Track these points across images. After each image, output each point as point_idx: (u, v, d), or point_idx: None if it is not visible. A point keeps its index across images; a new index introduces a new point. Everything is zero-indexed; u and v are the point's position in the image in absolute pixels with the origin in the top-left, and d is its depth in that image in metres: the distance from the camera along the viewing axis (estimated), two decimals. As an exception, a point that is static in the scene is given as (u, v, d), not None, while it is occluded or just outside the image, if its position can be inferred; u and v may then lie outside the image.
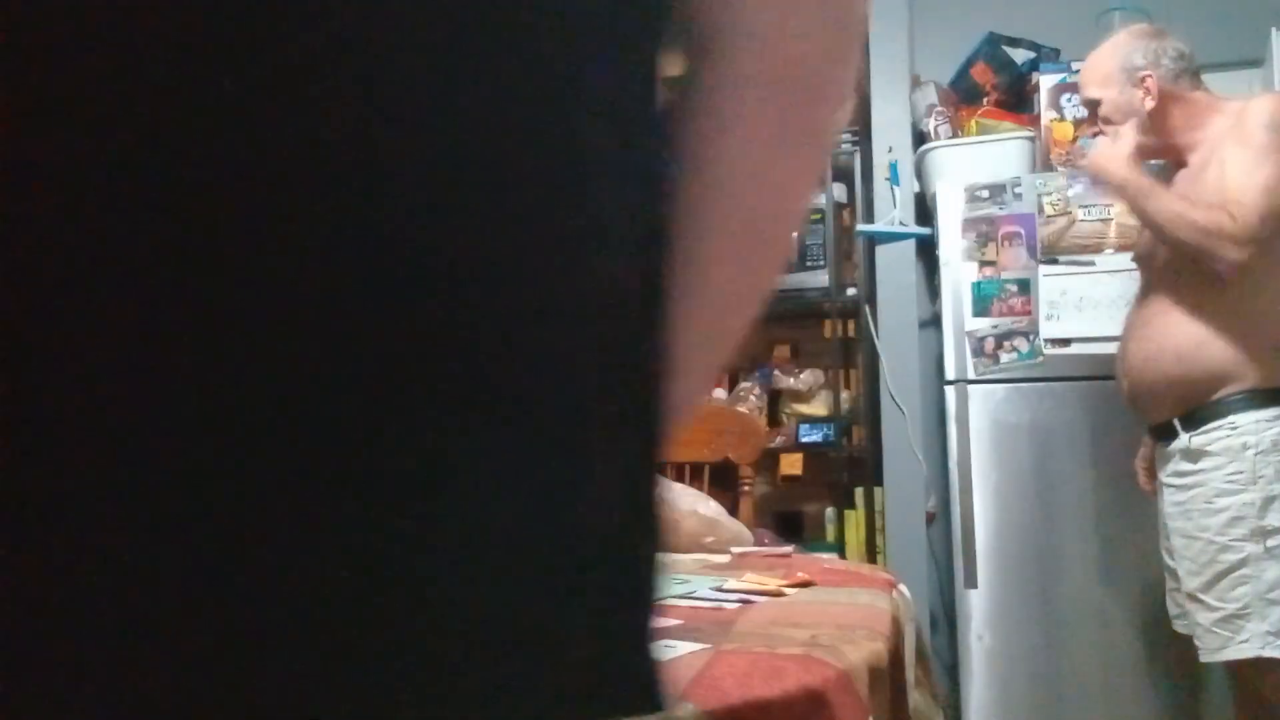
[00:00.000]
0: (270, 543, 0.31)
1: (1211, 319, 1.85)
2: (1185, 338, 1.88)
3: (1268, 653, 1.77)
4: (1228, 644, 1.81)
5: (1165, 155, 2.06)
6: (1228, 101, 1.94)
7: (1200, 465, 1.88)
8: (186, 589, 0.30)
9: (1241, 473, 1.81)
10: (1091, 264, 2.55)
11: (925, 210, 2.97)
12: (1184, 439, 1.90)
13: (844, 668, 0.79)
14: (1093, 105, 2.05)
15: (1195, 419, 1.89)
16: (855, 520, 3.13)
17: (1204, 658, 1.87)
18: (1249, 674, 1.83)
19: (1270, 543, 1.78)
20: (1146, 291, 2.02)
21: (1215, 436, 1.85)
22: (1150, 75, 1.96)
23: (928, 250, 3.06)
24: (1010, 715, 2.53)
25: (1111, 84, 2.00)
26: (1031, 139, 2.83)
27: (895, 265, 3.06)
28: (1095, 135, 2.11)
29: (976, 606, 2.56)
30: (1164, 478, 1.98)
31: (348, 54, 0.33)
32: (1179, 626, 2.02)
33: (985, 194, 2.65)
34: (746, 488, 2.12)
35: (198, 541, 0.30)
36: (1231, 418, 1.84)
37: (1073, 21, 3.03)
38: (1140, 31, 2.01)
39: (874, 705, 0.83)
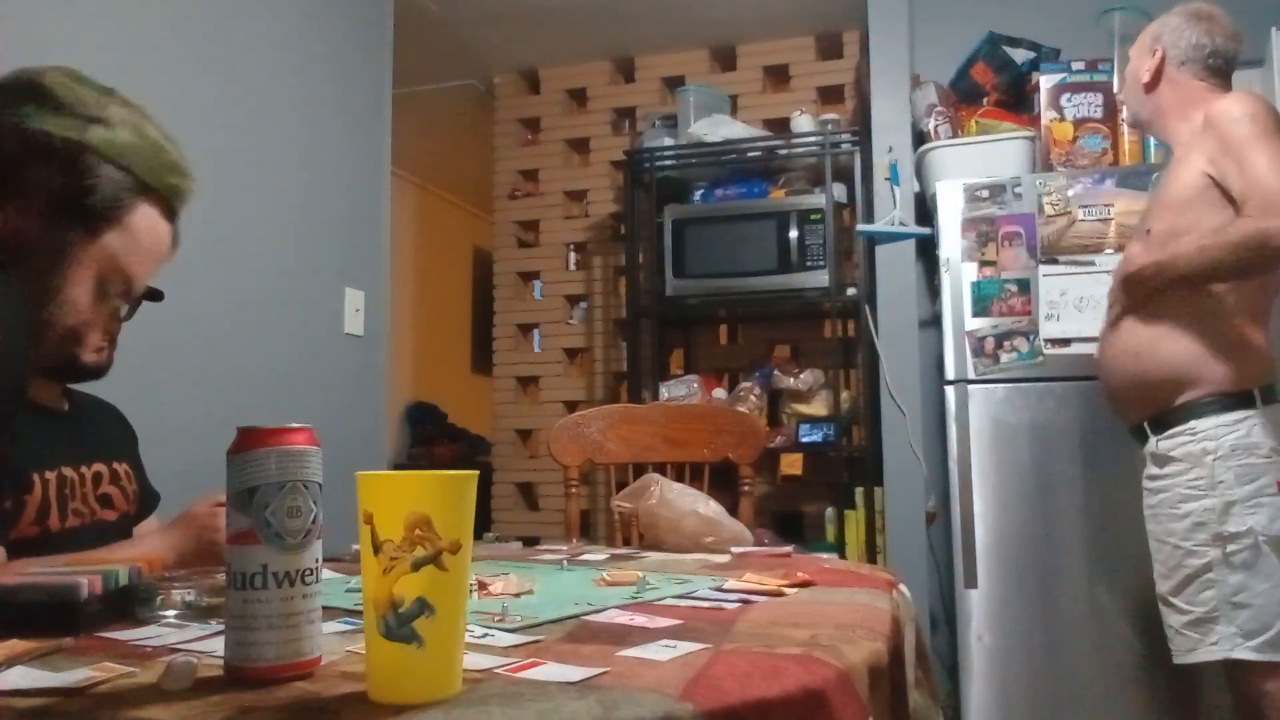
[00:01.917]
0: None
1: (1167, 320, 1.85)
2: (1142, 340, 1.89)
3: (1236, 654, 1.77)
4: (1198, 646, 1.82)
5: (1155, 133, 2.12)
6: (1210, 98, 1.93)
7: (1166, 470, 1.88)
8: None
9: (1202, 478, 1.82)
10: (1091, 264, 2.55)
11: (925, 210, 2.97)
12: (1152, 443, 1.92)
13: (844, 668, 0.79)
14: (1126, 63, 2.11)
15: (1161, 423, 1.89)
16: (855, 520, 3.13)
17: (1176, 659, 1.87)
18: (1239, 673, 1.84)
19: (1230, 548, 1.78)
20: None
21: (1178, 442, 1.86)
22: (1159, 49, 1.98)
23: (928, 250, 3.06)
24: (1010, 715, 2.53)
25: (1140, 48, 2.05)
26: (1031, 139, 2.83)
27: (895, 265, 3.07)
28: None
29: (976, 606, 2.57)
30: (1142, 480, 1.99)
31: None
32: None
33: (985, 194, 2.65)
34: (746, 488, 2.12)
35: None
36: (1192, 423, 1.84)
37: (1073, 21, 3.03)
38: (1190, 11, 2.01)
39: (874, 705, 0.83)
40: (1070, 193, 2.59)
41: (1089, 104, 2.78)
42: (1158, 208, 1.93)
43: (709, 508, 1.71)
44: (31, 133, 1.13)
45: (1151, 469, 1.93)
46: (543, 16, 3.57)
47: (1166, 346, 1.85)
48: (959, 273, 2.65)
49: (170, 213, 1.32)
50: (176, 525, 1.39)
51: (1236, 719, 1.94)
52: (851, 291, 3.22)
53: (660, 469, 2.05)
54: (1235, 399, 1.81)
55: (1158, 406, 1.89)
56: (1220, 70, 1.98)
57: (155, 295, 1.55)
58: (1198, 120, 1.90)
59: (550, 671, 0.75)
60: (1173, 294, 1.85)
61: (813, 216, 3.20)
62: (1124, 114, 2.15)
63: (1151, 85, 2.00)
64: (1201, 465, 1.81)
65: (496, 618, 0.96)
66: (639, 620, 0.97)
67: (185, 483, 1.65)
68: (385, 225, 2.90)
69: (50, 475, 1.41)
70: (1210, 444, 1.81)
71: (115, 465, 1.55)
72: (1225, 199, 1.79)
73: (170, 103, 2.15)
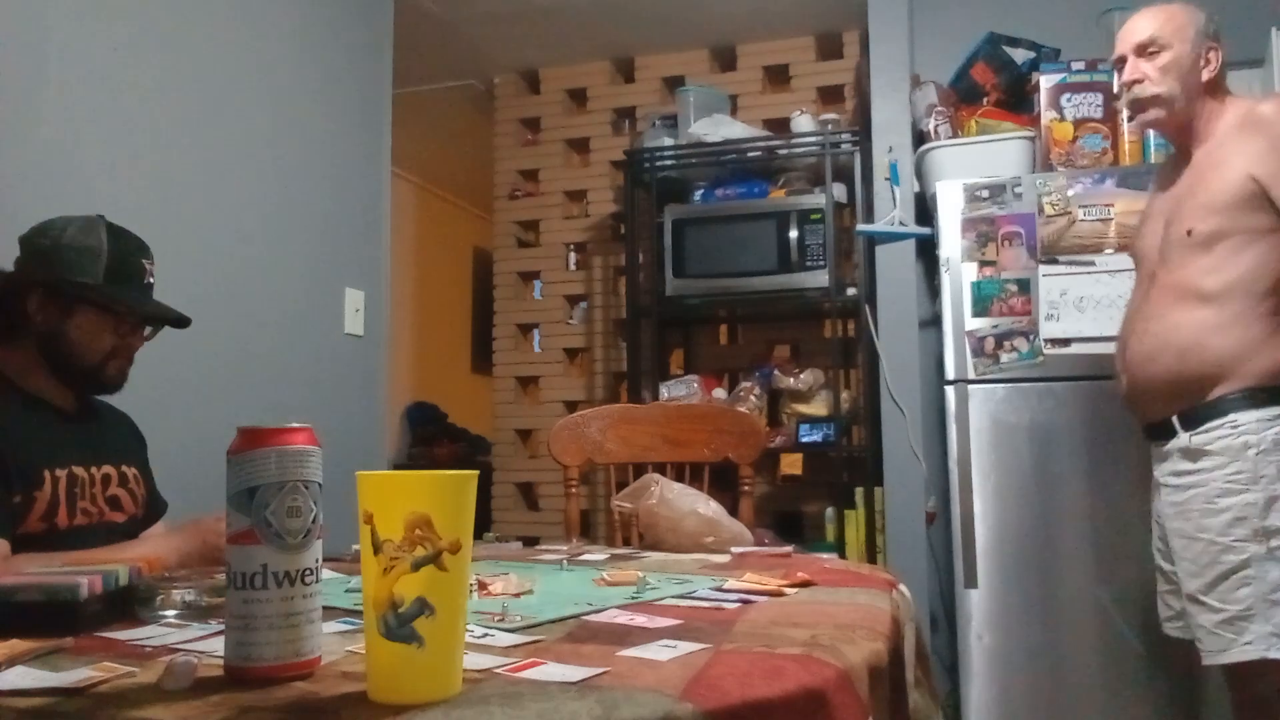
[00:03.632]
0: None
1: (1212, 315, 1.84)
2: (1187, 334, 1.87)
3: (1272, 654, 1.75)
4: (1230, 646, 1.79)
5: (1174, 134, 2.02)
6: (1238, 100, 1.94)
7: (1200, 464, 1.86)
8: None
9: (1243, 472, 1.80)
10: (1091, 264, 2.55)
11: (925, 210, 2.97)
12: (1183, 438, 1.89)
13: (844, 667, 0.79)
14: (1145, 46, 1.96)
15: (1194, 417, 1.87)
16: (855, 520, 3.13)
17: (1206, 660, 1.84)
18: (1246, 674, 1.83)
19: (1273, 543, 1.77)
20: (1145, 288, 2.01)
21: (1216, 435, 1.84)
22: (1216, 49, 1.94)
23: (928, 250, 3.06)
24: (1010, 715, 2.53)
25: (1185, 39, 1.95)
26: (1031, 139, 2.83)
27: (895, 265, 3.07)
28: (1130, 84, 2.01)
29: (976, 606, 2.56)
30: (1160, 477, 1.97)
31: None
32: (1171, 630, 2.00)
33: (985, 194, 2.65)
34: (746, 488, 2.12)
35: None
36: (1232, 416, 1.82)
37: (1073, 21, 3.04)
38: (1198, 13, 1.96)
39: (874, 705, 0.83)
40: (1070, 193, 2.59)
41: (1089, 104, 2.78)
42: (1194, 208, 1.89)
43: (709, 508, 1.72)
44: None
45: (1181, 464, 1.90)
46: (543, 16, 3.57)
47: (1211, 343, 1.84)
48: (959, 273, 2.65)
49: None
50: (181, 529, 1.40)
51: (1237, 718, 1.94)
52: (851, 291, 3.22)
53: (660, 469, 2.05)
54: (1273, 393, 1.81)
55: (1190, 401, 1.88)
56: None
57: (182, 321, 1.58)
58: (1228, 120, 1.90)
59: (550, 671, 0.75)
60: (1222, 297, 1.84)
61: (813, 216, 3.19)
62: (1126, 94, 2.00)
63: (1195, 86, 1.94)
64: (1242, 459, 1.80)
65: (496, 618, 0.96)
66: (639, 620, 0.98)
67: (185, 482, 1.65)
68: (385, 225, 2.90)
69: (60, 473, 1.41)
70: (1252, 437, 1.79)
71: (125, 469, 1.56)
72: (1269, 202, 1.80)
73: (171, 103, 2.15)
